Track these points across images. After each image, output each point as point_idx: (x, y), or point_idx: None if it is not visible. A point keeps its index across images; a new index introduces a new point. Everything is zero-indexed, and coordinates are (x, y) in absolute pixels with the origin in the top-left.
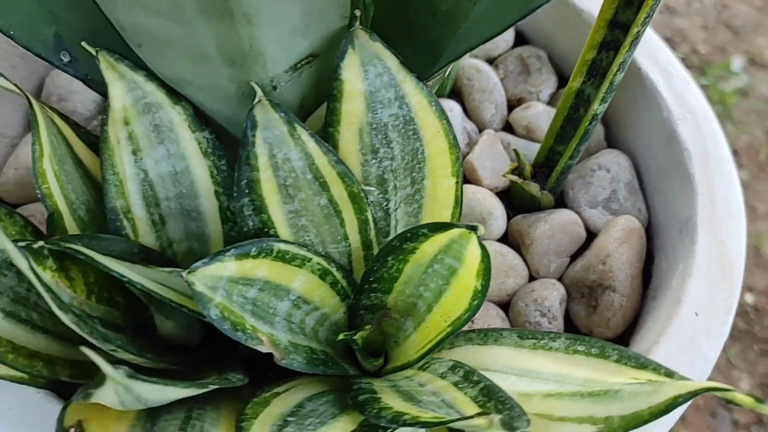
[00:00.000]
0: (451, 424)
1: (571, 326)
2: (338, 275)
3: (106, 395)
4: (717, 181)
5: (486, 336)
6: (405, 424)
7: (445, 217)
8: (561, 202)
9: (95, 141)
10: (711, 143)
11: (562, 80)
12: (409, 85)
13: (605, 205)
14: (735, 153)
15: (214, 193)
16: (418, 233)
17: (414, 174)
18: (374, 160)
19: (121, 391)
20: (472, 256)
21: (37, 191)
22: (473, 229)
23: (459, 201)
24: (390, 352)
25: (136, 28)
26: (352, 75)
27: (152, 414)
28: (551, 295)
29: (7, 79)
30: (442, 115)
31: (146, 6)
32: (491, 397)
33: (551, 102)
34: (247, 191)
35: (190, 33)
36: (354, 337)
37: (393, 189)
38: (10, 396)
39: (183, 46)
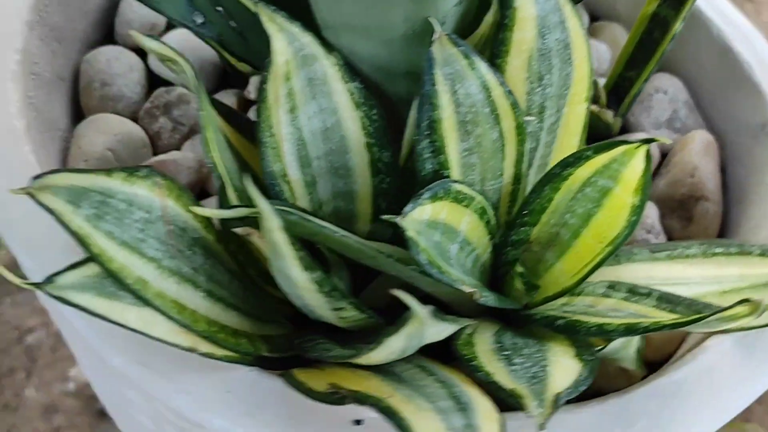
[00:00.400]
0: (699, 323)
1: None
2: (491, 213)
3: (394, 343)
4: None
5: (617, 255)
6: (646, 330)
7: (574, 145)
8: (623, 129)
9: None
10: (765, 54)
11: (593, 17)
12: (568, 7)
13: (668, 126)
14: None
15: (365, 146)
16: (581, 156)
17: (560, 101)
18: (539, 88)
19: (415, 333)
20: (632, 172)
21: (207, 161)
22: (648, 141)
23: (586, 127)
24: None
25: None
26: (525, 1)
27: (386, 366)
28: (650, 212)
29: (175, 51)
30: (587, 38)
31: None
32: (677, 303)
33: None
34: (427, 132)
35: None
36: (518, 271)
37: (547, 117)
38: (223, 378)
39: None
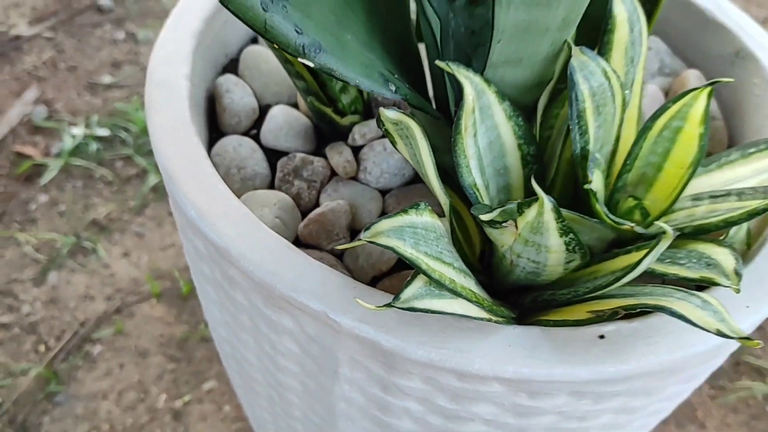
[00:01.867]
0: None
1: None
2: (605, 168)
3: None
4: (743, 23)
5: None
6: (761, 212)
7: (635, 104)
8: None
9: None
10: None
11: None
12: (639, 8)
13: (660, 73)
14: None
15: (516, 147)
16: (664, 108)
17: (639, 74)
18: (630, 69)
19: (653, 255)
20: (697, 110)
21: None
22: (711, 84)
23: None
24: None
25: (506, 24)
26: (619, 9)
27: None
28: None
29: None
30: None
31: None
32: (753, 193)
33: None
34: (577, 121)
35: (551, 14)
36: (632, 204)
37: (633, 88)
38: (500, 337)
39: (538, 26)
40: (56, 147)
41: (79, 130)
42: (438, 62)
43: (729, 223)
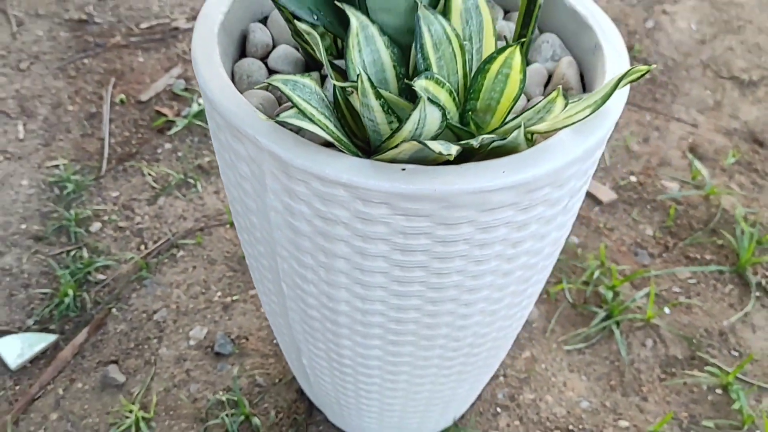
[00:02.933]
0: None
1: None
2: (455, 94)
3: (414, 117)
4: (604, 25)
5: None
6: (531, 127)
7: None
8: (527, 62)
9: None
10: (591, 8)
11: (506, 11)
12: None
13: (551, 59)
14: None
15: (392, 66)
16: (491, 57)
17: (479, 35)
18: (467, 26)
19: (422, 116)
20: (516, 61)
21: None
22: (521, 44)
23: (497, 51)
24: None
25: None
26: None
27: None
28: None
29: None
30: (489, 5)
31: None
32: (546, 119)
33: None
34: (420, 51)
35: None
36: (473, 119)
37: (474, 43)
38: (349, 162)
39: None
40: (185, 111)
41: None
42: (336, 2)
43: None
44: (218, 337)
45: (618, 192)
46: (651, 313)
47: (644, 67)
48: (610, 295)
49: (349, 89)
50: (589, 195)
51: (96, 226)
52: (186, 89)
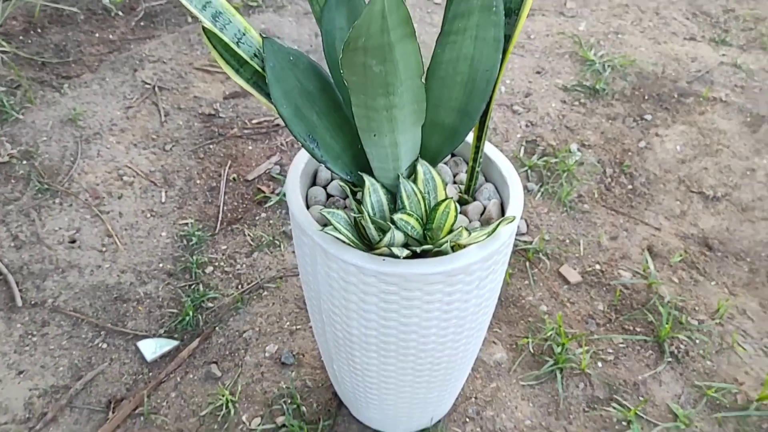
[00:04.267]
0: None
1: None
2: (420, 221)
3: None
4: (514, 184)
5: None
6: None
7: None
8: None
9: None
10: (512, 174)
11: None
12: (433, 171)
13: (488, 199)
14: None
15: (387, 205)
16: (438, 203)
17: (435, 190)
18: (426, 186)
19: None
20: (452, 206)
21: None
22: (452, 199)
23: (442, 200)
24: None
25: (358, 109)
26: (420, 169)
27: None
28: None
29: None
30: (443, 170)
31: (368, 104)
32: (471, 230)
33: None
34: (400, 199)
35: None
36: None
37: (430, 194)
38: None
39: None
40: (278, 189)
41: None
42: (359, 172)
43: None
44: (284, 352)
45: (583, 276)
46: (585, 365)
47: (510, 217)
48: (559, 349)
49: (359, 216)
50: (561, 276)
51: (210, 269)
52: (280, 173)
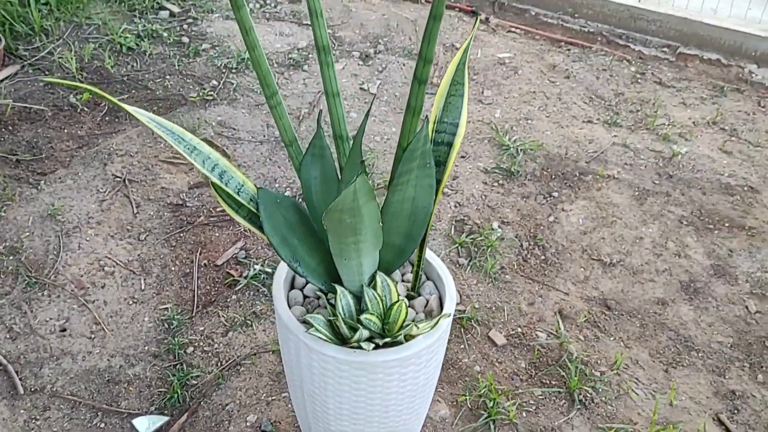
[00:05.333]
0: None
1: None
2: (380, 318)
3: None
4: (449, 284)
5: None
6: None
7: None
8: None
9: None
10: (447, 275)
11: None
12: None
13: (429, 294)
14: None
15: (354, 307)
16: (392, 304)
17: (390, 294)
18: (384, 290)
19: None
20: (403, 305)
21: None
22: (404, 300)
23: (396, 302)
24: None
25: (335, 249)
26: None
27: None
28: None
29: None
30: (395, 282)
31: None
32: (423, 330)
33: None
34: (364, 302)
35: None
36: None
37: (388, 297)
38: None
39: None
40: (245, 273)
41: (258, 266)
42: (333, 283)
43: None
44: (264, 421)
45: (508, 338)
46: (513, 416)
47: (447, 313)
48: (491, 404)
49: (333, 318)
50: (490, 339)
51: (191, 349)
52: (246, 257)
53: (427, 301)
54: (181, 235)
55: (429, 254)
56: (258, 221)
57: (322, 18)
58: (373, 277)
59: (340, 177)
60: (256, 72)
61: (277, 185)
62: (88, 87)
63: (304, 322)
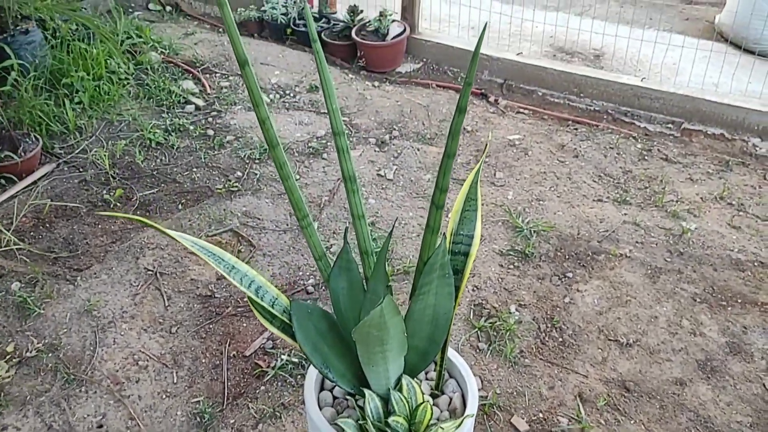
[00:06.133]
0: None
1: None
2: (407, 419)
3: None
4: (470, 381)
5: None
6: None
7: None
8: (442, 392)
9: None
10: (469, 374)
11: None
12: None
13: (453, 392)
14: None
15: (383, 410)
16: (418, 405)
17: (415, 396)
18: (410, 393)
19: None
20: (428, 408)
21: None
22: (427, 403)
23: (421, 403)
24: None
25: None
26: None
27: None
28: None
29: None
30: (419, 381)
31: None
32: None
33: None
34: (392, 405)
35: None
36: None
37: (414, 399)
38: None
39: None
40: (273, 363)
41: (285, 356)
42: (362, 387)
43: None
44: None
45: (530, 424)
46: None
47: (470, 414)
48: None
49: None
50: (512, 425)
51: None
52: (273, 347)
53: (451, 399)
54: (211, 326)
55: (451, 352)
56: (290, 330)
57: (349, 153)
58: (399, 380)
59: (365, 288)
60: (289, 198)
61: (300, 273)
62: (140, 219)
63: (335, 424)
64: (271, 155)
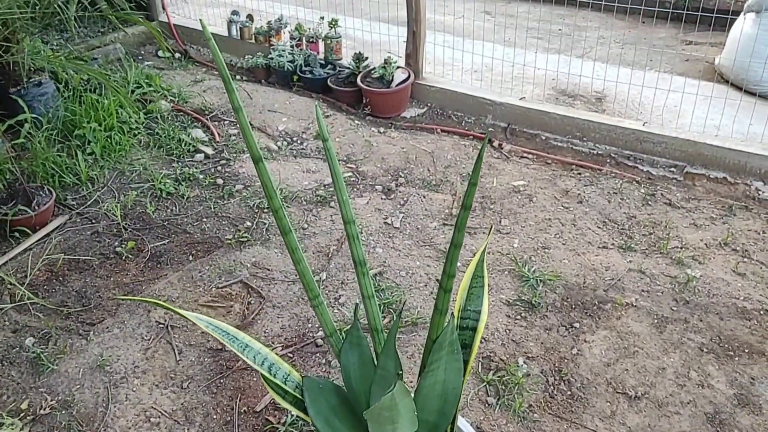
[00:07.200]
0: None
1: None
2: None
3: None
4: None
5: None
6: None
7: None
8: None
9: None
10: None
11: None
12: None
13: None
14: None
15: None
16: None
17: None
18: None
19: None
20: None
21: None
22: None
23: None
24: None
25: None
26: None
27: None
28: None
29: None
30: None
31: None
32: None
33: None
34: None
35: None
36: None
37: None
38: None
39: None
40: (283, 419)
41: (295, 413)
42: None
43: None
44: None
45: None
46: None
47: None
48: None
49: None
50: None
51: None
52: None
53: None
54: (222, 381)
55: (460, 421)
56: (303, 404)
57: (359, 240)
58: None
59: (375, 363)
60: (301, 279)
61: (309, 325)
62: (158, 302)
63: None
64: (284, 241)
